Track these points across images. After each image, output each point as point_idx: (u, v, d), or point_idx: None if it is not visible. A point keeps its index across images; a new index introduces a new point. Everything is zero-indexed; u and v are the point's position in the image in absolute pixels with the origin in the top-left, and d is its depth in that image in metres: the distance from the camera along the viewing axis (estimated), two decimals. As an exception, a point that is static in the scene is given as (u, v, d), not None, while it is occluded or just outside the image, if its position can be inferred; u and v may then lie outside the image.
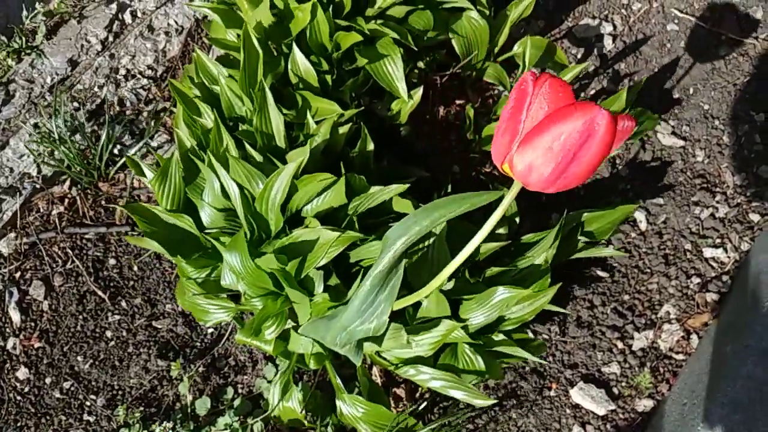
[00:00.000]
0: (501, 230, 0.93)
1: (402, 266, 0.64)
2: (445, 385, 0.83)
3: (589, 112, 0.47)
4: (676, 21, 1.25)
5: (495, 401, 0.90)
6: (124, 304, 1.07)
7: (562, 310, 0.94)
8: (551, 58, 1.07)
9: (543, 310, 1.02)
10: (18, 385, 1.02)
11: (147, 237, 0.87)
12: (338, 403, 0.89)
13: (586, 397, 0.98)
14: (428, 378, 0.84)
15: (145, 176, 0.94)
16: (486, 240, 0.90)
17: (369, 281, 0.64)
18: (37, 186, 1.14)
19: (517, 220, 0.96)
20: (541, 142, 0.49)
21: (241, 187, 0.84)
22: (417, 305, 0.83)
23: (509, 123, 0.52)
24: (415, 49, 1.00)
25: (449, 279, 0.86)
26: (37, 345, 1.05)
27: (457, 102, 1.17)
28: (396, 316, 0.85)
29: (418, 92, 1.01)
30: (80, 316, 1.07)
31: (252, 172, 0.84)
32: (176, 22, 1.28)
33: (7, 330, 1.06)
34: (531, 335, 1.00)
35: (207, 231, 0.90)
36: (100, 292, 1.08)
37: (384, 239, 0.61)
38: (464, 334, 0.83)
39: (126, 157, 0.96)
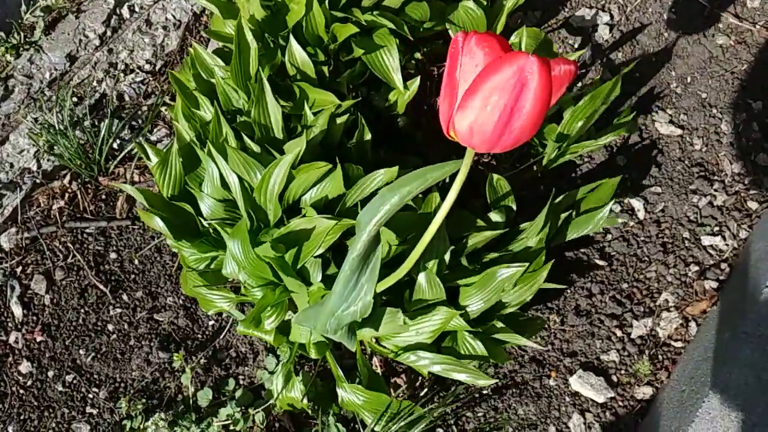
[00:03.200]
0: (498, 219, 0.93)
1: (380, 247, 0.64)
2: (446, 368, 0.83)
3: (517, 62, 0.45)
4: (673, 10, 1.25)
5: (497, 380, 0.90)
6: (125, 297, 1.08)
7: (560, 286, 0.94)
8: (547, 49, 1.07)
9: (541, 299, 1.03)
10: (21, 378, 1.03)
11: (154, 215, 0.88)
12: (339, 391, 0.89)
13: (585, 385, 0.98)
14: (428, 363, 0.84)
15: (150, 160, 0.95)
16: (484, 228, 0.91)
17: (347, 266, 0.65)
18: (38, 181, 1.14)
19: (514, 207, 0.96)
20: (477, 102, 0.47)
21: (240, 178, 0.85)
22: (412, 290, 0.84)
23: (447, 88, 0.51)
24: (412, 39, 1.00)
25: (448, 268, 0.87)
26: (39, 339, 1.05)
27: (455, 93, 1.17)
28: (392, 302, 0.85)
29: (415, 83, 1.01)
30: (82, 310, 1.07)
31: (250, 162, 0.84)
32: (174, 17, 1.28)
33: (9, 324, 1.06)
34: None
35: (207, 222, 0.91)
36: (101, 286, 1.08)
37: (357, 223, 0.61)
38: (463, 323, 0.83)
39: (135, 143, 0.96)
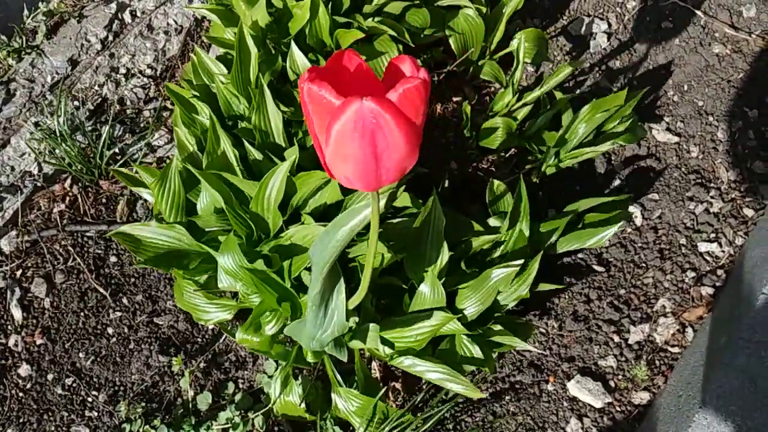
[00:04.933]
0: (497, 223, 0.94)
1: (341, 279, 0.64)
2: (441, 377, 0.84)
3: (351, 109, 0.40)
4: (670, 19, 1.26)
5: (486, 395, 0.91)
6: (125, 300, 1.08)
7: (556, 286, 0.95)
8: (546, 48, 1.08)
9: (539, 303, 1.04)
10: (20, 381, 1.03)
11: (141, 261, 0.88)
12: (333, 396, 0.90)
13: (582, 390, 0.99)
14: (424, 370, 0.84)
15: (138, 186, 0.95)
16: (482, 233, 0.92)
17: (311, 302, 0.65)
18: (38, 184, 1.15)
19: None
20: (338, 158, 0.44)
21: (232, 191, 0.85)
22: (412, 294, 0.84)
23: (314, 139, 0.47)
24: (413, 46, 1.01)
25: (447, 273, 0.87)
26: (39, 342, 1.06)
27: (454, 99, 1.18)
28: (392, 307, 0.85)
29: (415, 89, 1.02)
30: (82, 313, 1.07)
31: (243, 183, 0.86)
32: (175, 22, 1.29)
33: (9, 327, 1.07)
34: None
35: (207, 230, 0.91)
36: (101, 289, 1.09)
37: (310, 258, 0.61)
38: (460, 326, 0.84)
39: (113, 170, 0.97)
